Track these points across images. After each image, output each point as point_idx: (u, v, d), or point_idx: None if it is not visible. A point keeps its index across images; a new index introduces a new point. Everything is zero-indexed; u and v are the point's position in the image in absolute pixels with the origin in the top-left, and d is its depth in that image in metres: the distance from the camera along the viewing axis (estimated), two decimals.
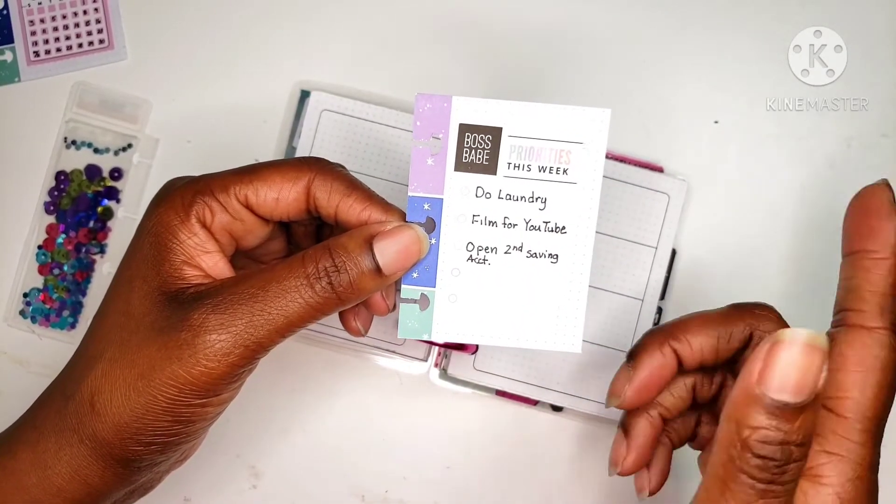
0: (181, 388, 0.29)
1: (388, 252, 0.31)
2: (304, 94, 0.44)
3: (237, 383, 0.31)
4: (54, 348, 0.44)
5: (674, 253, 0.44)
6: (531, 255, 0.32)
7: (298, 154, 0.44)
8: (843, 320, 0.32)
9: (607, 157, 0.43)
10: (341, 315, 0.35)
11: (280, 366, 0.44)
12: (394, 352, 0.43)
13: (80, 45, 0.45)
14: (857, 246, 0.32)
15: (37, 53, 0.45)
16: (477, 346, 0.42)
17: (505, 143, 0.32)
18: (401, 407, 0.44)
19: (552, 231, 0.32)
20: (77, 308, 0.44)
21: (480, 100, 0.32)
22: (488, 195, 0.32)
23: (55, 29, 0.45)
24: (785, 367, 0.25)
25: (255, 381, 0.44)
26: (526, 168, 0.32)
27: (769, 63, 0.45)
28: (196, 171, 0.44)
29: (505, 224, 0.32)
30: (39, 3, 0.45)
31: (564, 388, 0.43)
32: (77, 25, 0.45)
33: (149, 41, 0.45)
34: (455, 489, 0.43)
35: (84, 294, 0.44)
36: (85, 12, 0.45)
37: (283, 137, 0.44)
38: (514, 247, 0.32)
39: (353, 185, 0.33)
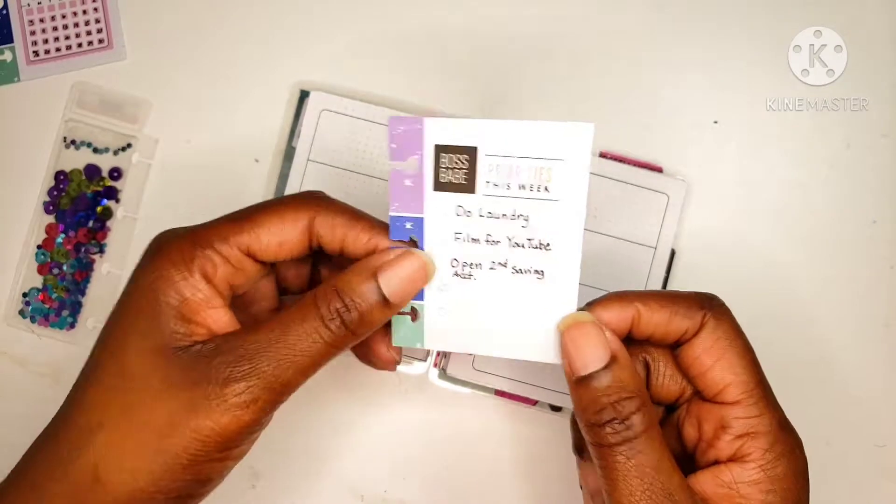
0: (205, 440, 0.29)
1: (393, 283, 0.31)
2: (304, 94, 0.44)
3: (256, 434, 0.31)
4: (54, 348, 0.44)
5: (673, 253, 0.43)
6: (517, 272, 0.32)
7: (298, 154, 0.44)
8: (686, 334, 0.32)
9: (606, 157, 0.43)
10: (370, 358, 0.35)
11: None
12: None
13: (80, 45, 0.45)
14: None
15: (36, 53, 0.45)
16: None
17: (482, 162, 0.31)
18: (401, 407, 0.44)
19: (536, 248, 0.32)
20: (76, 308, 0.44)
21: (454, 119, 0.31)
22: (469, 213, 0.32)
23: (55, 29, 0.45)
24: (579, 348, 0.30)
25: None
26: (505, 186, 0.31)
27: (769, 63, 0.45)
28: (196, 172, 0.44)
29: (488, 241, 0.32)
30: (39, 3, 0.45)
31: (564, 388, 0.43)
32: (76, 25, 0.45)
33: (148, 41, 0.45)
34: (455, 489, 0.43)
35: (83, 294, 0.44)
36: (84, 12, 0.45)
37: (282, 137, 0.44)
38: (499, 263, 0.32)
39: (356, 216, 0.33)
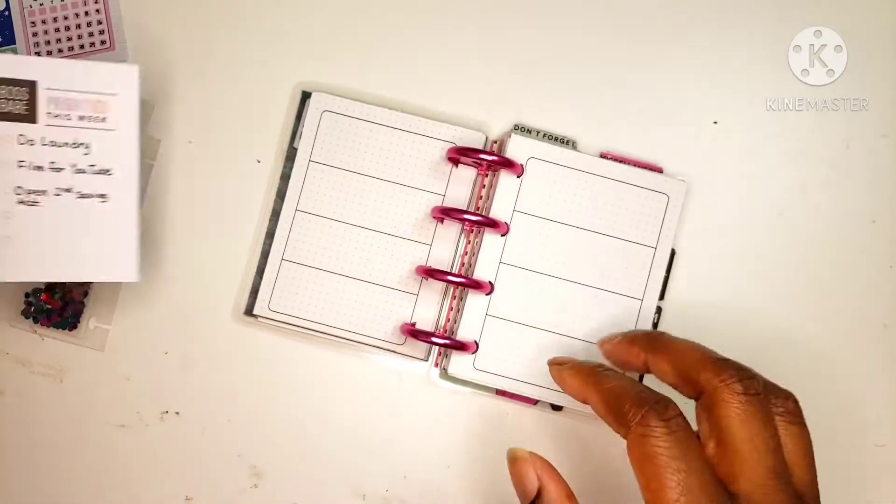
0: None
1: None
2: (306, 96, 0.44)
3: None
4: (56, 348, 0.44)
5: (673, 253, 0.44)
6: (82, 196, 0.36)
7: (299, 155, 0.44)
8: None
9: (607, 157, 0.44)
10: None
11: (280, 365, 0.44)
12: (394, 351, 0.43)
13: (82, 46, 0.45)
14: None
15: (38, 54, 0.45)
16: (477, 346, 0.43)
17: (42, 95, 0.35)
18: (401, 407, 0.44)
19: (99, 173, 0.36)
20: (79, 308, 0.44)
21: (13, 56, 0.35)
22: (31, 142, 0.35)
23: (56, 30, 0.45)
24: (515, 483, 0.35)
25: (256, 381, 0.44)
26: (66, 117, 0.35)
27: (769, 63, 0.45)
28: (198, 172, 0.45)
29: (52, 168, 0.35)
30: (41, 4, 0.45)
31: None
32: (78, 27, 0.45)
33: (150, 42, 0.45)
34: (455, 489, 0.43)
35: (86, 294, 0.44)
36: (86, 13, 0.45)
37: (284, 138, 0.44)
38: (64, 189, 0.35)
39: None
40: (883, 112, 0.44)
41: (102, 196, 0.35)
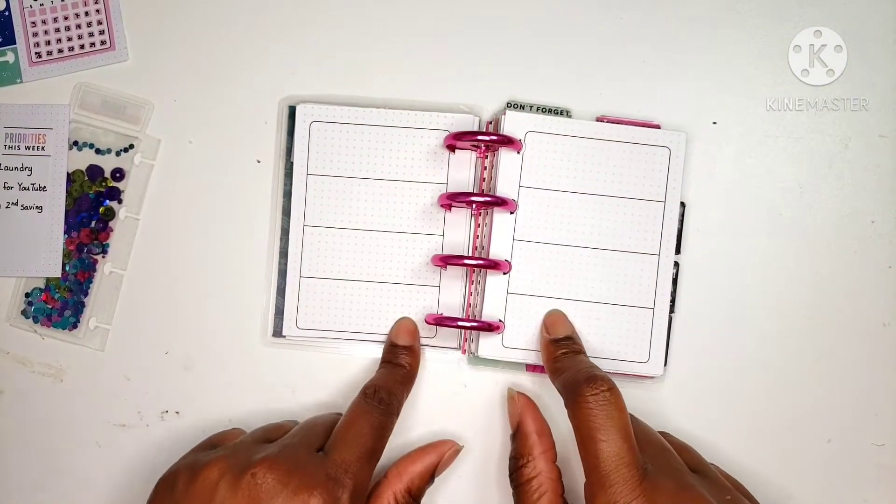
0: None
1: None
2: (294, 110, 0.44)
3: None
4: (56, 348, 0.44)
5: (683, 206, 0.44)
6: (25, 208, 0.43)
7: (296, 170, 0.44)
8: None
9: (603, 121, 0.44)
10: None
11: (284, 366, 0.44)
12: (427, 345, 0.44)
13: (82, 47, 0.45)
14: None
15: (38, 55, 0.45)
16: (503, 325, 0.43)
17: (1, 132, 0.44)
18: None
19: (37, 190, 0.43)
20: (79, 308, 0.44)
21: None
22: None
23: (57, 30, 0.45)
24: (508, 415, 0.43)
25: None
26: (17, 147, 0.43)
27: (769, 63, 0.45)
28: (198, 172, 0.45)
29: (5, 187, 0.43)
30: (41, 5, 0.45)
31: (598, 353, 0.43)
32: (79, 27, 0.45)
33: (150, 42, 0.45)
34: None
35: (86, 294, 0.44)
36: (87, 13, 0.45)
37: (281, 149, 0.44)
38: (12, 203, 0.43)
39: None
40: (882, 112, 0.44)
41: (38, 208, 0.43)
